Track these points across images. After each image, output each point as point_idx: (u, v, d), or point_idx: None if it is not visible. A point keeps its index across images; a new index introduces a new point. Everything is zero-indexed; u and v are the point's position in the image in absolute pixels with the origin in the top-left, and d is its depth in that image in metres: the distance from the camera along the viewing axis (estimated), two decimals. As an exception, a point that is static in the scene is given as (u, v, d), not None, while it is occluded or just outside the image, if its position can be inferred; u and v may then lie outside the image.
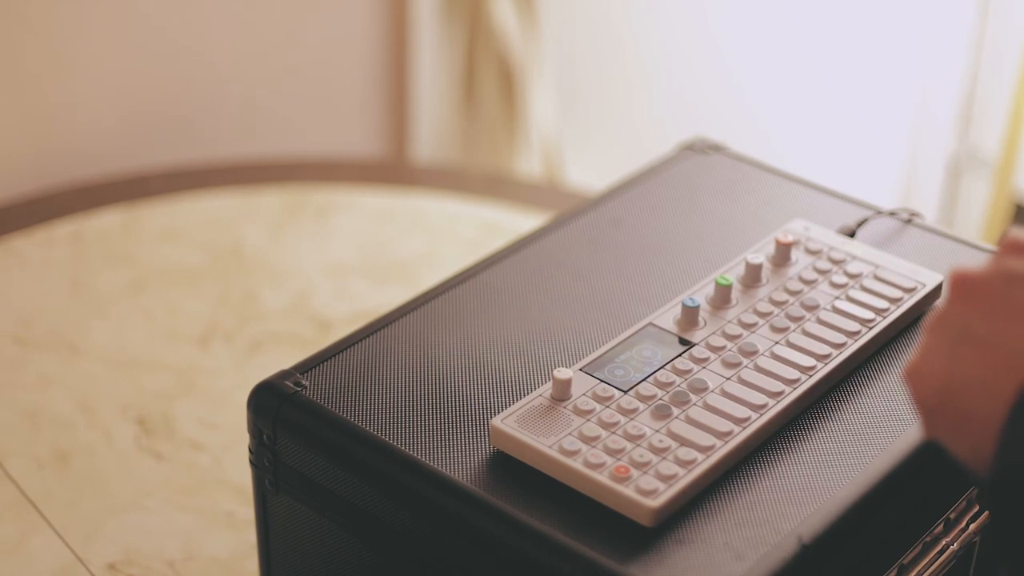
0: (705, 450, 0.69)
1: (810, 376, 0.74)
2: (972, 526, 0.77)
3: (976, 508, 0.78)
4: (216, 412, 1.06)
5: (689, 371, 0.74)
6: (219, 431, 1.04)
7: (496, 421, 0.71)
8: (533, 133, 1.81)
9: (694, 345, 0.76)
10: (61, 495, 0.98)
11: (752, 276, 0.81)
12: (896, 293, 0.81)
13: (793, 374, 0.74)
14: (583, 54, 1.97)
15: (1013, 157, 1.78)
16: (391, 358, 0.78)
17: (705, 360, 0.75)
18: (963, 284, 0.58)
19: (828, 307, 0.79)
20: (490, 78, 1.79)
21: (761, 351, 0.76)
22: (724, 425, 0.70)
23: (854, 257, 0.84)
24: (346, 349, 0.78)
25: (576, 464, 0.68)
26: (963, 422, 0.56)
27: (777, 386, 0.73)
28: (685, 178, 0.96)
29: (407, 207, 1.35)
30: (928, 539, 0.74)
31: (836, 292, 0.81)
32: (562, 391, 0.72)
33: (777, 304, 0.80)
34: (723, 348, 0.76)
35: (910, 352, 0.79)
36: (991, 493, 0.55)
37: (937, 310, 0.59)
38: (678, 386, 0.73)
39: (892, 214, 0.91)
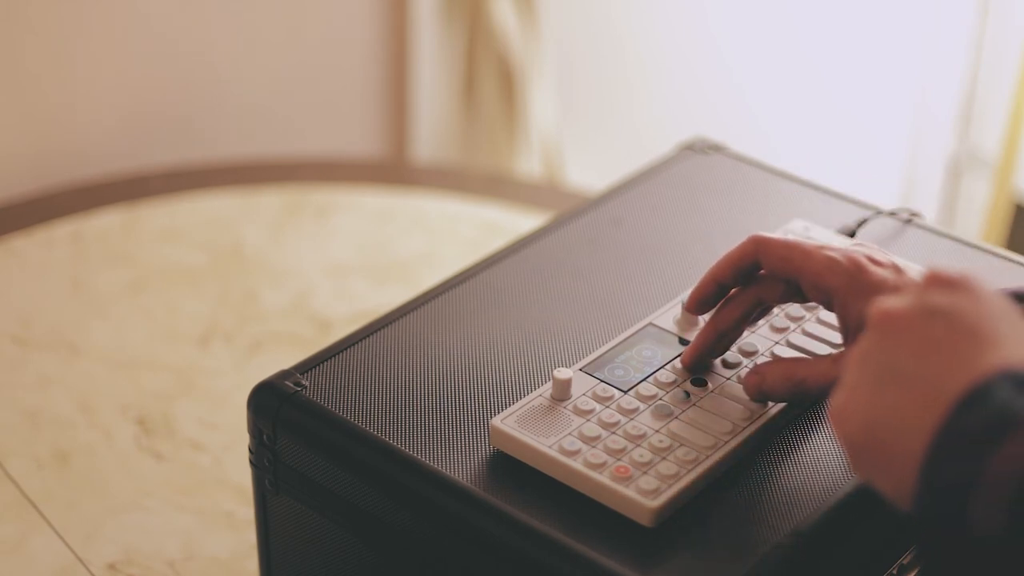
0: (705, 450, 0.69)
1: (810, 376, 0.74)
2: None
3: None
4: (216, 412, 1.06)
5: (689, 371, 0.74)
6: (219, 431, 1.04)
7: (496, 421, 0.71)
8: (533, 133, 1.81)
9: (694, 345, 0.76)
10: (61, 495, 0.98)
11: (752, 276, 0.81)
12: (896, 293, 0.81)
13: (793, 374, 0.74)
14: (583, 54, 1.97)
15: (1013, 157, 1.78)
16: (391, 358, 0.78)
17: (705, 360, 0.75)
18: (884, 319, 0.58)
19: (828, 307, 0.79)
20: (490, 78, 1.79)
21: (761, 351, 0.76)
22: (724, 425, 0.70)
23: (854, 257, 0.83)
24: (346, 349, 0.78)
25: (576, 464, 0.68)
26: (886, 459, 0.56)
27: (777, 386, 0.73)
28: (685, 178, 0.96)
29: (407, 207, 1.35)
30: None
31: (836, 292, 0.81)
32: (562, 391, 0.72)
33: (777, 304, 0.79)
34: (723, 348, 0.76)
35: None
36: (915, 531, 0.54)
37: (859, 346, 0.59)
38: (678, 386, 0.73)
39: (892, 214, 0.91)
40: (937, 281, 0.58)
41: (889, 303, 0.58)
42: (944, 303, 0.57)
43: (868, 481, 0.58)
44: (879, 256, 0.70)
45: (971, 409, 0.53)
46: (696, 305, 0.75)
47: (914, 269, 0.71)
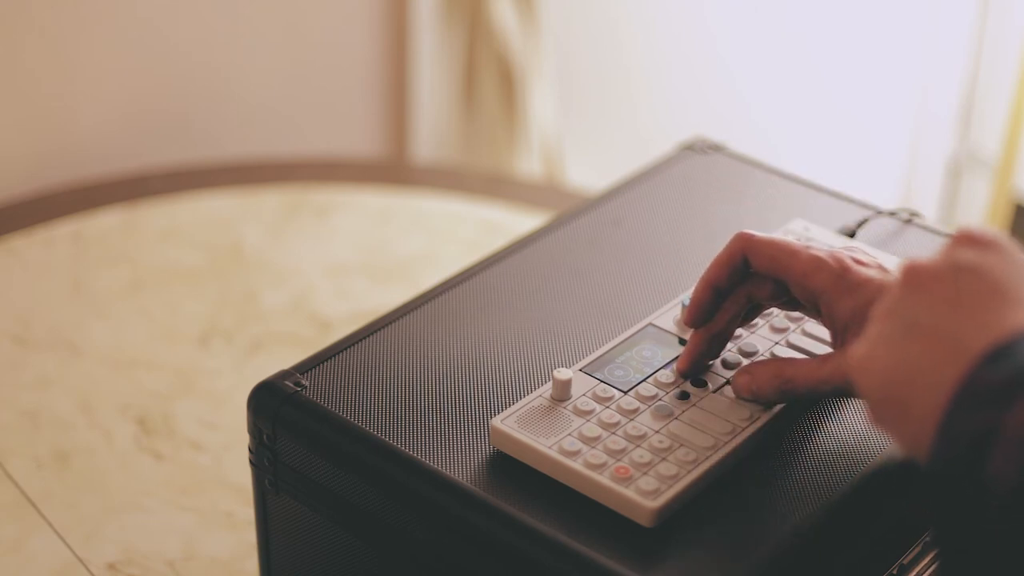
0: (705, 450, 0.69)
1: (810, 376, 0.74)
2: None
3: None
4: (216, 412, 1.06)
5: (689, 371, 0.74)
6: (219, 431, 1.04)
7: (496, 421, 0.71)
8: (533, 133, 1.81)
9: (694, 345, 0.76)
10: (61, 495, 0.98)
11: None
12: (896, 293, 0.81)
13: (793, 374, 0.74)
14: (583, 54, 1.97)
15: (1013, 157, 1.78)
16: (391, 358, 0.78)
17: (705, 360, 0.75)
18: (913, 274, 0.58)
19: (828, 307, 0.79)
20: (490, 78, 1.79)
21: (761, 351, 0.76)
22: (724, 426, 0.70)
23: (854, 257, 0.83)
24: (346, 349, 0.78)
25: (576, 465, 0.68)
26: (905, 411, 0.57)
27: (777, 386, 0.73)
28: (685, 178, 0.96)
29: (407, 207, 1.35)
30: (928, 539, 0.74)
31: (836, 292, 0.81)
32: (562, 391, 0.72)
33: (777, 304, 0.79)
34: (723, 348, 0.76)
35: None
36: (928, 486, 0.55)
37: (887, 299, 0.59)
38: (678, 386, 0.73)
39: (892, 214, 0.91)
40: (967, 239, 0.58)
41: (919, 259, 0.59)
42: (972, 260, 0.57)
43: (886, 433, 0.59)
44: (864, 257, 0.70)
45: (994, 365, 0.53)
46: (696, 317, 0.73)
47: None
